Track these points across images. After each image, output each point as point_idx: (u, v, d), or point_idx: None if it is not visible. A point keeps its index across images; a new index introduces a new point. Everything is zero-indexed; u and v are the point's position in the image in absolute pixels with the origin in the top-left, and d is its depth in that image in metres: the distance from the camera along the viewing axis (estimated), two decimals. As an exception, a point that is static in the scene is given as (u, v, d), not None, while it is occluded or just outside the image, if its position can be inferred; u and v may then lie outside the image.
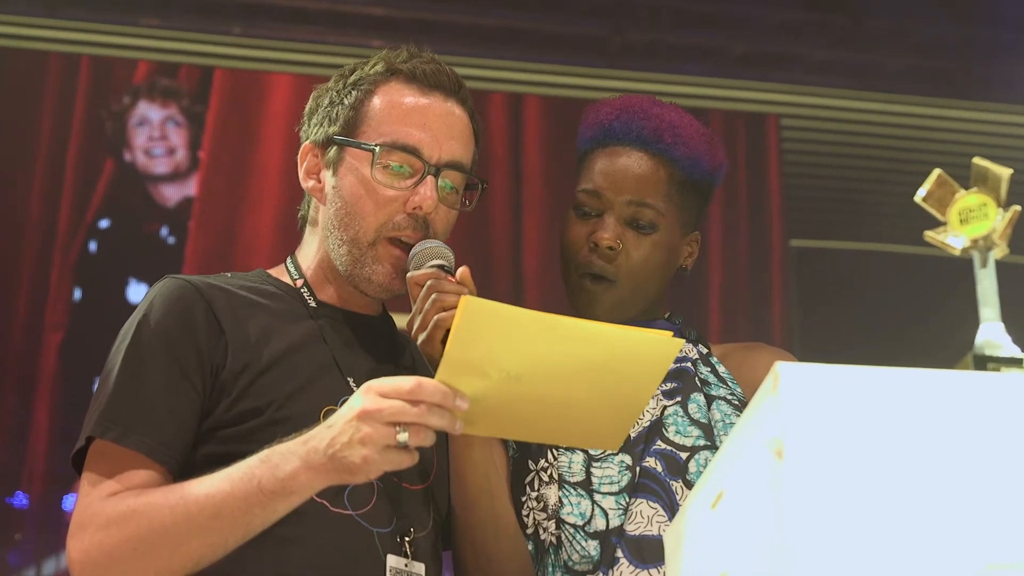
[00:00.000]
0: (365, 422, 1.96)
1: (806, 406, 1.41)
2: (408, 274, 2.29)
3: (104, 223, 6.87)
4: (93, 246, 6.81)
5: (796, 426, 1.40)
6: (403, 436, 1.95)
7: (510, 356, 1.95)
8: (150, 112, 7.04)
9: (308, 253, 2.51)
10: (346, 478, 2.01)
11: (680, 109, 2.77)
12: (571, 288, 2.65)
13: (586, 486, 2.48)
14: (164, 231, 6.95)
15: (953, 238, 1.71)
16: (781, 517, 1.37)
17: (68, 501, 6.36)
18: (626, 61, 7.51)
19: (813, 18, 7.52)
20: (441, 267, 2.28)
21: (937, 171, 1.74)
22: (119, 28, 7.14)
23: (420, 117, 2.41)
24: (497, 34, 7.45)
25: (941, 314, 6.38)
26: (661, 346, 2.02)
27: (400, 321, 2.39)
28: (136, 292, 6.67)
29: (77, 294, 6.73)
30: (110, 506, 2.13)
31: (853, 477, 1.39)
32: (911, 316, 6.92)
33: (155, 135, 7.02)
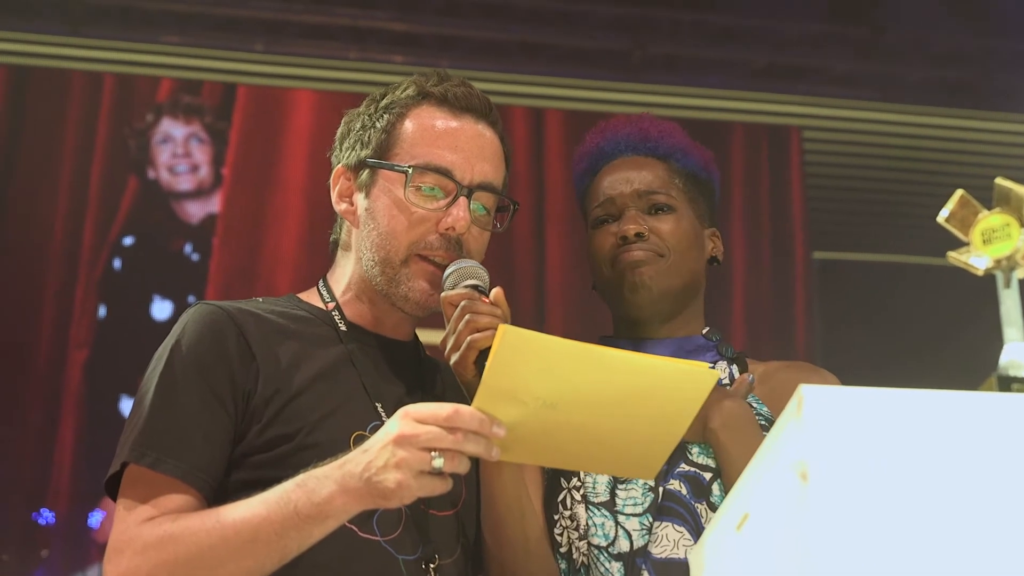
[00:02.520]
0: (401, 447, 1.96)
1: (830, 429, 1.41)
2: (443, 294, 2.30)
3: (128, 240, 6.90)
4: (118, 263, 6.84)
5: (820, 449, 1.40)
6: (438, 462, 1.95)
7: (546, 384, 1.96)
8: (173, 129, 7.08)
9: (341, 276, 2.52)
10: (380, 503, 2.01)
11: (656, 116, 2.83)
12: (615, 285, 2.65)
13: (610, 507, 2.47)
14: (188, 248, 6.97)
15: (976, 258, 1.71)
16: (806, 540, 1.37)
17: (94, 518, 6.38)
18: (647, 74, 7.52)
19: (834, 30, 7.52)
20: (475, 287, 2.28)
21: (960, 192, 1.74)
22: (142, 46, 7.18)
23: (452, 139, 2.42)
24: (518, 49, 7.47)
25: (965, 324, 6.37)
26: (698, 377, 2.01)
27: (433, 338, 2.39)
28: (161, 309, 6.69)
29: (102, 311, 6.75)
30: (147, 531, 2.14)
31: (878, 500, 1.38)
32: (935, 327, 6.90)
33: (178, 152, 7.05)
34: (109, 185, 6.94)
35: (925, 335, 6.88)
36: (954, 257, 1.73)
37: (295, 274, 6.81)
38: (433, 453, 1.95)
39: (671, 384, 2.01)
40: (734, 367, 2.67)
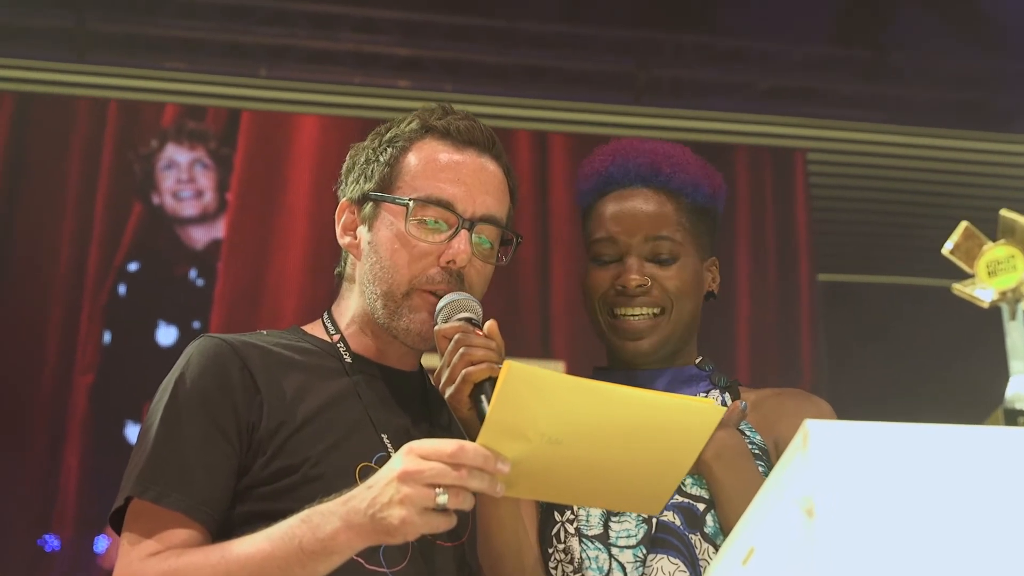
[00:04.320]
0: (405, 483, 1.95)
1: (836, 464, 1.40)
2: (436, 327, 2.29)
3: (133, 266, 6.91)
4: (123, 289, 6.85)
5: (826, 485, 1.39)
6: (443, 498, 1.94)
7: (551, 420, 1.95)
8: (178, 155, 7.09)
9: (345, 309, 2.52)
10: (385, 539, 2.00)
11: (668, 142, 2.78)
12: (606, 330, 2.64)
13: (604, 539, 2.47)
14: (193, 273, 6.98)
15: (981, 291, 1.70)
16: (813, 576, 1.36)
17: (99, 543, 6.37)
18: (651, 98, 7.53)
19: (838, 52, 7.53)
20: (469, 320, 2.28)
21: (964, 223, 1.73)
22: (146, 72, 7.21)
23: (454, 172, 2.42)
24: (522, 72, 7.48)
25: (971, 346, 6.36)
26: (702, 414, 2.02)
27: (435, 362, 2.39)
28: (166, 335, 6.70)
29: (107, 337, 6.75)
30: (151, 566, 2.14)
31: (884, 535, 1.37)
32: (940, 348, 6.89)
33: (183, 178, 7.07)
34: (114, 211, 6.95)
35: (931, 357, 6.87)
36: (959, 289, 1.72)
37: (300, 299, 6.82)
38: (437, 489, 1.94)
39: (675, 420, 2.01)
40: (727, 395, 2.66)
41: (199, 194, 7.09)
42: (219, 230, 7.04)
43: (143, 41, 7.20)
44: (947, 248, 1.74)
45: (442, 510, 1.96)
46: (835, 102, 7.69)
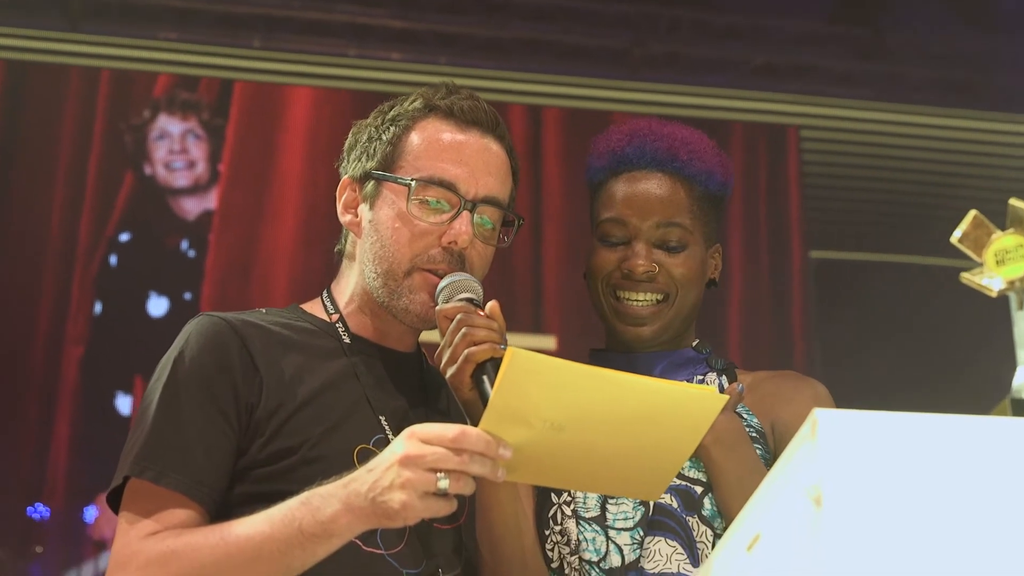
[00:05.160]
0: (407, 467, 1.94)
1: (844, 454, 1.40)
2: (437, 307, 2.29)
3: (124, 236, 6.89)
4: (114, 259, 6.83)
5: (835, 474, 1.39)
6: (444, 483, 1.94)
7: (554, 407, 1.95)
8: (170, 125, 7.07)
9: (345, 287, 2.51)
10: (385, 522, 2.00)
11: (686, 125, 2.76)
12: (608, 313, 2.63)
13: (601, 522, 2.47)
14: (184, 244, 6.96)
15: (989, 279, 1.70)
16: (820, 565, 1.36)
17: (88, 513, 6.38)
18: (646, 72, 7.51)
19: (834, 30, 7.52)
20: (470, 300, 2.27)
21: (973, 212, 1.72)
22: (139, 42, 7.17)
23: (457, 153, 2.40)
24: (517, 46, 7.45)
25: (963, 324, 6.38)
26: (705, 401, 2.02)
27: (435, 337, 2.38)
28: (156, 305, 6.69)
29: (98, 307, 6.74)
30: (149, 546, 2.13)
31: (892, 525, 1.38)
32: (932, 326, 6.91)
33: (175, 148, 7.04)
34: (106, 181, 6.94)
35: (922, 335, 6.89)
36: (967, 279, 1.72)
37: (291, 270, 6.81)
38: (439, 474, 1.94)
39: (678, 407, 2.01)
40: (723, 378, 2.66)
41: (191, 165, 7.07)
42: (211, 201, 7.02)
43: (136, 10, 7.16)
44: (955, 237, 1.73)
45: (443, 495, 1.96)
46: (830, 79, 7.68)
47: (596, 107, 7.19)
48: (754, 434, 2.54)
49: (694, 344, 2.71)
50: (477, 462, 1.94)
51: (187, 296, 6.75)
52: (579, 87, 7.42)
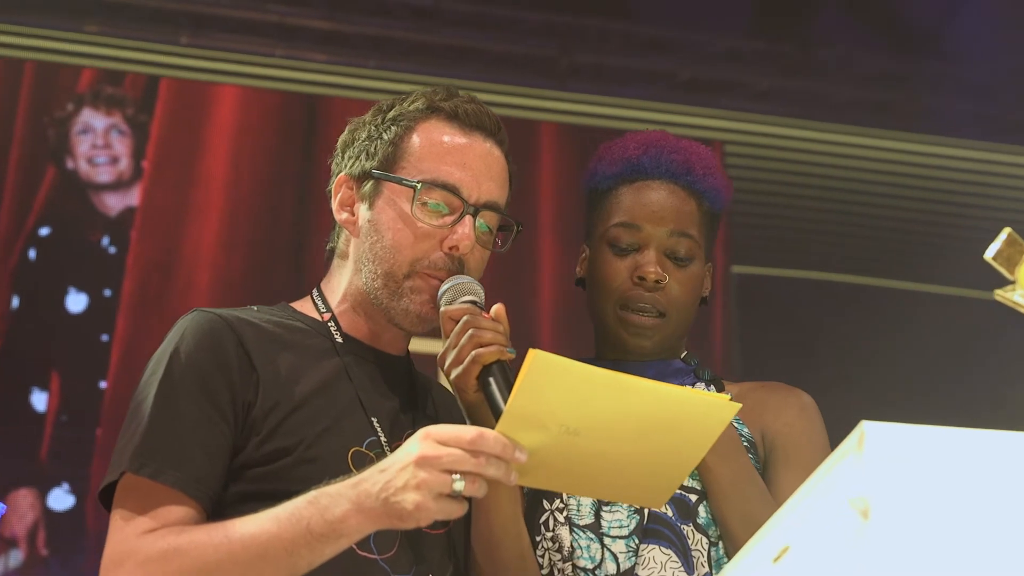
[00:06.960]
0: (422, 468, 1.94)
1: (894, 466, 1.40)
2: (442, 309, 2.29)
3: (44, 231, 6.80)
4: (32, 254, 6.74)
5: (884, 486, 1.39)
6: (459, 485, 1.94)
7: (571, 411, 1.96)
8: (94, 120, 6.99)
9: (337, 286, 2.50)
10: (396, 523, 2.00)
11: (696, 142, 2.79)
12: (611, 321, 2.65)
13: (595, 529, 2.48)
14: (105, 240, 6.88)
15: (1022, 296, 1.71)
16: (864, 576, 1.37)
17: (-1, 509, 6.29)
18: (573, 83, 7.53)
19: (760, 46, 7.57)
20: (473, 303, 2.28)
21: (1007, 230, 1.73)
22: (64, 34, 7.08)
23: (460, 156, 2.41)
24: (446, 52, 7.45)
25: (880, 340, 6.44)
26: (718, 409, 2.04)
27: (424, 347, 2.39)
28: (76, 301, 6.61)
29: (15, 302, 6.65)
30: (148, 543, 2.11)
31: (940, 539, 1.38)
32: (851, 343, 6.96)
33: (98, 143, 6.97)
34: (26, 174, 6.84)
35: (841, 351, 6.95)
36: (1001, 296, 1.73)
37: (213, 271, 6.75)
38: (454, 476, 1.94)
39: (692, 414, 2.03)
40: (711, 388, 2.69)
41: (114, 160, 6.99)
42: (133, 198, 6.94)
43: (62, 2, 7.09)
44: (989, 254, 1.74)
45: (456, 496, 1.95)
46: (755, 95, 7.73)
47: (523, 116, 7.20)
48: (745, 443, 2.58)
49: (683, 356, 2.74)
50: (493, 465, 1.94)
51: (107, 293, 6.67)
52: (506, 95, 7.43)
